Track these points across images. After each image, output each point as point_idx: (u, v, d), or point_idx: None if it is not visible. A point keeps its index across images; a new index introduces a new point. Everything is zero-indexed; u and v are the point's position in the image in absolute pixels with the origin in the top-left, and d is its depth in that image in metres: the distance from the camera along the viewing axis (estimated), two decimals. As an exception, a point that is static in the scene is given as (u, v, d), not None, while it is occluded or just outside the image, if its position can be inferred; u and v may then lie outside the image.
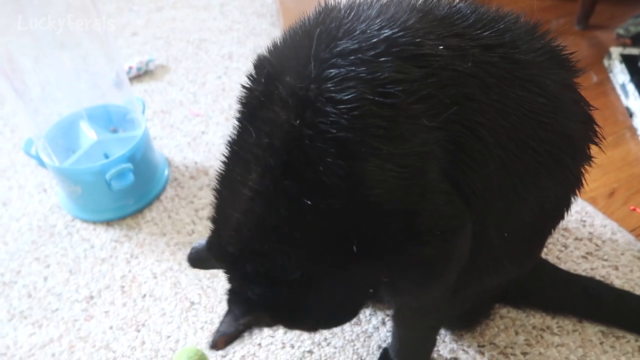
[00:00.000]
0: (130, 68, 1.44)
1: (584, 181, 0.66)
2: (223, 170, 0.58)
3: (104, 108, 1.14)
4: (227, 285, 0.61)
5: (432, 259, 0.56)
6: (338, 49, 0.50)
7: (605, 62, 1.33)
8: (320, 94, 0.48)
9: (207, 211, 1.07)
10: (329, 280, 0.56)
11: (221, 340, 0.57)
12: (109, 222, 1.06)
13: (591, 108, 0.63)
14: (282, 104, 0.51)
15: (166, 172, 1.15)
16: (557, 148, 0.58)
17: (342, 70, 0.49)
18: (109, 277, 0.96)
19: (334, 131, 0.48)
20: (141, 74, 1.47)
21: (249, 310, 0.57)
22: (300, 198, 0.50)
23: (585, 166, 0.65)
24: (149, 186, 1.10)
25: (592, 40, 1.45)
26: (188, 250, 0.97)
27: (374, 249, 0.53)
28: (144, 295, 0.93)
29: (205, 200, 1.09)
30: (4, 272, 0.99)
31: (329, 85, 0.48)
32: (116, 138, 1.09)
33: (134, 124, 1.12)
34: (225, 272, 0.61)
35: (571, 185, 0.65)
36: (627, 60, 1.28)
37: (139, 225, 1.05)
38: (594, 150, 0.65)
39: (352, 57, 0.49)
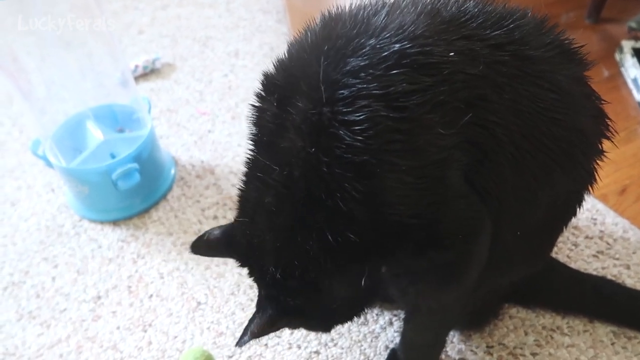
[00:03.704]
0: (137, 67, 1.44)
1: (596, 177, 0.65)
2: (248, 195, 0.59)
3: (109, 108, 1.14)
4: (259, 290, 0.64)
5: (453, 261, 0.56)
6: (348, 67, 0.49)
7: (617, 56, 1.31)
8: (333, 118, 0.48)
9: (214, 210, 1.07)
10: (349, 285, 0.59)
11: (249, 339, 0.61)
12: (116, 222, 1.06)
13: (602, 102, 0.62)
14: (296, 131, 0.51)
15: (172, 171, 1.15)
16: (569, 144, 0.58)
17: (354, 89, 0.48)
18: (116, 277, 0.97)
19: (350, 155, 0.48)
20: (147, 73, 1.46)
21: (286, 314, 0.60)
22: (325, 227, 0.51)
23: (598, 161, 0.64)
24: (155, 185, 1.10)
25: (603, 34, 1.42)
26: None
27: (395, 258, 0.55)
28: (151, 296, 0.93)
29: (212, 199, 1.09)
30: (12, 272, 1.00)
31: (341, 107, 0.48)
32: (122, 138, 1.09)
33: (140, 124, 1.12)
34: (260, 281, 0.63)
35: (584, 181, 0.64)
36: (639, 54, 1.25)
37: (145, 224, 1.05)
38: (606, 145, 0.64)
39: (363, 74, 0.48)
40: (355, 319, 0.68)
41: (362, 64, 0.49)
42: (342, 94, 0.48)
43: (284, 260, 0.56)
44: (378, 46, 0.50)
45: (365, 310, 0.67)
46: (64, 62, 1.07)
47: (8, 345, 0.88)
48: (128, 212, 1.07)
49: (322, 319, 0.64)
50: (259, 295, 0.64)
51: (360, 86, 0.48)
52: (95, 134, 1.07)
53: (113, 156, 1.06)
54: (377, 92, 0.48)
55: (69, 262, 1.00)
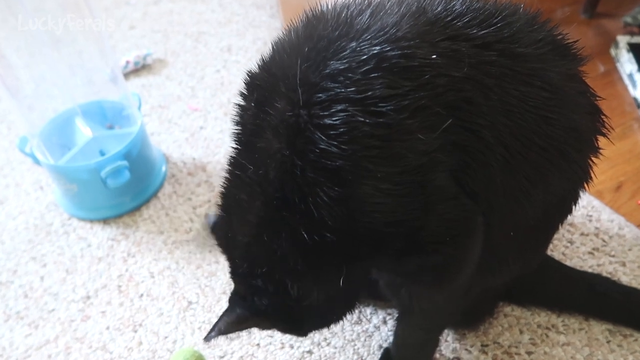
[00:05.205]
0: (128, 62, 1.42)
1: (592, 174, 0.64)
2: (228, 191, 0.59)
3: (99, 104, 1.12)
4: (232, 286, 0.64)
5: (444, 262, 0.56)
6: (327, 70, 0.48)
7: (612, 51, 1.30)
8: (309, 121, 0.47)
9: (205, 208, 1.05)
10: (327, 292, 0.58)
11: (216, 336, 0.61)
12: (105, 220, 1.05)
13: (597, 98, 0.61)
14: (273, 132, 0.50)
15: (163, 169, 1.13)
16: (563, 142, 0.56)
17: (331, 93, 0.47)
18: (105, 277, 0.95)
19: (324, 160, 0.47)
20: (139, 68, 1.45)
21: (253, 315, 0.60)
22: (298, 229, 0.50)
23: (593, 158, 0.62)
24: (146, 183, 1.08)
25: (599, 29, 1.41)
26: (185, 249, 0.98)
27: (377, 262, 0.54)
28: (141, 295, 0.91)
29: (203, 197, 1.08)
30: (0, 272, 0.98)
31: (318, 110, 0.47)
32: (112, 135, 1.07)
33: (130, 120, 1.10)
34: (232, 276, 0.63)
35: (579, 178, 0.63)
36: (634, 49, 1.25)
37: (136, 223, 1.04)
38: (601, 142, 0.63)
39: (342, 78, 0.47)
40: (333, 325, 0.68)
41: (341, 67, 0.48)
42: (320, 97, 0.47)
43: (251, 258, 0.56)
44: (358, 49, 0.48)
45: (344, 318, 0.66)
46: (53, 58, 1.06)
47: (-5, 346, 0.87)
48: (118, 210, 1.05)
49: (293, 323, 0.63)
50: (231, 292, 0.64)
51: (338, 90, 0.47)
52: (84, 131, 1.05)
53: (102, 153, 1.04)
54: (354, 96, 0.47)
55: (57, 261, 0.99)
